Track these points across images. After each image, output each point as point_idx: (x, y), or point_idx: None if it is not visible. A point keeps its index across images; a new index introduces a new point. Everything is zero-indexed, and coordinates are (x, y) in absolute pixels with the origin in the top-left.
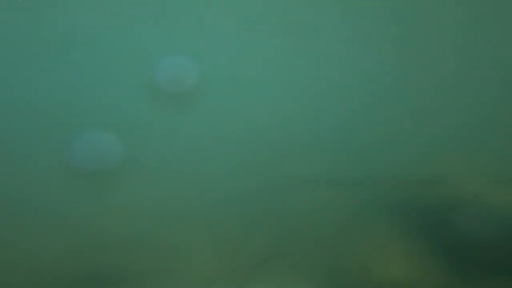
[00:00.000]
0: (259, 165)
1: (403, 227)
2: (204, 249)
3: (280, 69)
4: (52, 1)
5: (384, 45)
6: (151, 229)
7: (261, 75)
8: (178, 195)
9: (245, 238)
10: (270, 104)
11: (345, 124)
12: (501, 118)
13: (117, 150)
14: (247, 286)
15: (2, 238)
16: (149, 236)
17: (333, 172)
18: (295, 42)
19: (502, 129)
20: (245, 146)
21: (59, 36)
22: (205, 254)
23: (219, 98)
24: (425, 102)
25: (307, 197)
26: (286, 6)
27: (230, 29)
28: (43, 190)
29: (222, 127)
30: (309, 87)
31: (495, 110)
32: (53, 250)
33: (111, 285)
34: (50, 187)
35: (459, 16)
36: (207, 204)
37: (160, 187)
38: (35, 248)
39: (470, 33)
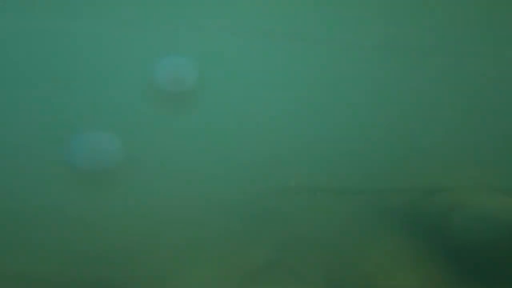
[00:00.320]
0: (259, 170)
1: (404, 236)
2: (203, 253)
3: (282, 72)
4: (52, 1)
5: (386, 52)
6: (150, 231)
7: (262, 77)
8: (178, 195)
9: (245, 243)
10: (271, 106)
11: (346, 132)
12: (503, 125)
13: (117, 150)
14: None
15: (2, 238)
16: (148, 238)
17: (335, 179)
18: (298, 46)
19: (504, 137)
20: (245, 149)
21: (59, 36)
22: (204, 258)
23: (219, 98)
24: (427, 110)
25: (307, 204)
26: (287, 8)
27: (230, 29)
28: (43, 190)
29: (222, 129)
30: (310, 92)
31: (497, 118)
32: (53, 250)
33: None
34: (50, 187)
35: (459, 18)
36: (207, 206)
37: (160, 187)
38: (35, 248)
39: (470, 36)
